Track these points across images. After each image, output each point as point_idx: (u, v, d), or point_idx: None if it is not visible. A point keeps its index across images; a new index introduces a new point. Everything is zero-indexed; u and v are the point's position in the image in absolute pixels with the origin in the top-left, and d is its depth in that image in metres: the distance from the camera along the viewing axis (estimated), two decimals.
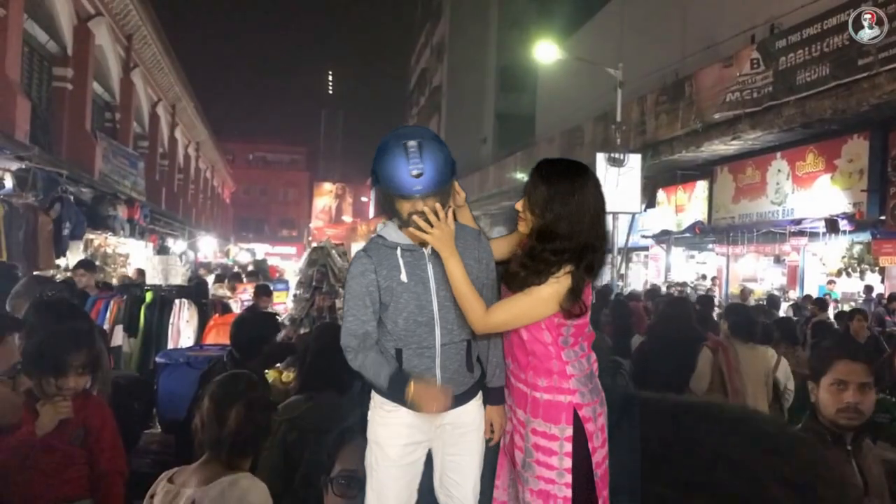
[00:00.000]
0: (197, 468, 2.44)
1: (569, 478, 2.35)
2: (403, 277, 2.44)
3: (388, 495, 2.46)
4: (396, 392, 2.37)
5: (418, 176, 2.28)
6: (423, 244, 2.46)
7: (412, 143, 2.30)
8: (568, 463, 2.36)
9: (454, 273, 2.38)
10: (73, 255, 10.80)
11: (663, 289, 14.62)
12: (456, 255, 2.39)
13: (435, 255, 2.42)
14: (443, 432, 2.54)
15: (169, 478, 2.44)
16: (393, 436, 2.46)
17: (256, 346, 4.00)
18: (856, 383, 2.55)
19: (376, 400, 2.52)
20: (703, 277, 17.03)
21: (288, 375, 4.35)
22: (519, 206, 2.48)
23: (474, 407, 2.60)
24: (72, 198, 10.86)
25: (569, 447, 2.36)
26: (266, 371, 4.30)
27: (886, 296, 11.78)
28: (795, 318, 9.47)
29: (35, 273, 8.20)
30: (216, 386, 2.58)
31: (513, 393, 2.50)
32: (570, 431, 2.37)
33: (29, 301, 4.48)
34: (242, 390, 2.55)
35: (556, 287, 2.35)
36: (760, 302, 12.25)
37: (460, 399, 2.53)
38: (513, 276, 2.42)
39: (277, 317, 4.68)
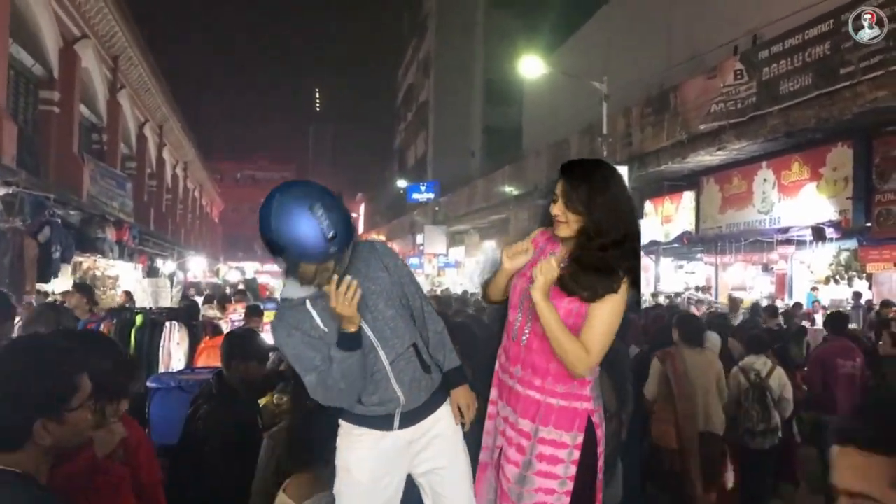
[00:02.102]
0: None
1: (570, 486, 2.36)
2: (322, 327, 2.41)
3: None
4: (352, 342, 2.34)
5: (333, 238, 2.22)
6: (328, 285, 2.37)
7: (318, 205, 2.21)
8: (573, 471, 2.36)
9: (549, 320, 2.32)
10: (62, 278, 10.75)
11: (654, 300, 14.64)
12: (543, 301, 2.32)
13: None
14: (420, 449, 2.52)
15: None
16: (361, 459, 2.46)
17: (241, 361, 3.93)
18: None
19: (344, 427, 2.53)
20: (698, 289, 17.02)
21: (280, 398, 4.34)
22: (557, 209, 2.41)
23: (445, 412, 2.59)
24: (59, 221, 10.83)
25: (577, 455, 2.37)
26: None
27: (878, 303, 11.82)
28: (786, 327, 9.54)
29: (49, 301, 8.17)
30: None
31: (520, 402, 2.44)
32: (581, 439, 2.37)
33: (43, 329, 4.46)
34: None
35: (624, 288, 2.36)
36: (745, 312, 12.22)
37: (427, 407, 2.53)
38: (582, 285, 2.35)
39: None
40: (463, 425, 2.60)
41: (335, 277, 2.32)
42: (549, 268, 2.29)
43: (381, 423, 2.49)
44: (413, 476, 2.57)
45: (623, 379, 3.60)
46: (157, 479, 2.98)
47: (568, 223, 2.39)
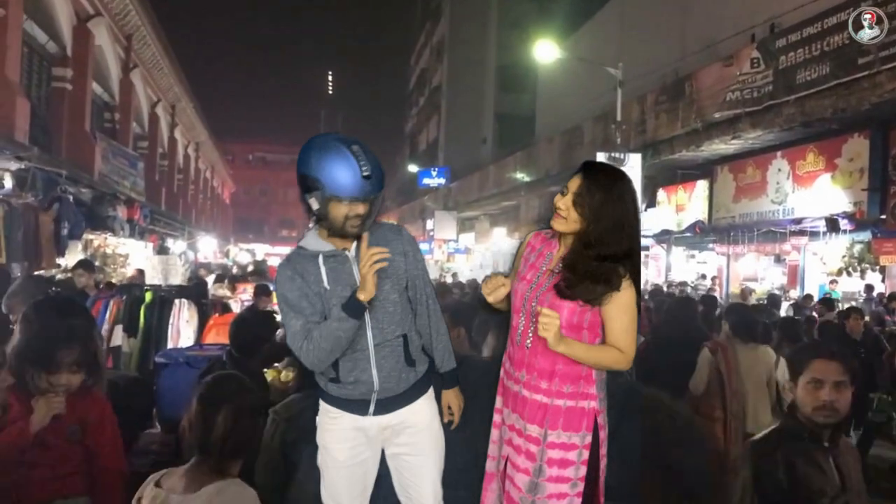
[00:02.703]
0: (185, 473, 2.33)
1: (581, 487, 2.34)
2: (325, 284, 2.44)
3: (341, 493, 2.54)
4: (358, 310, 2.35)
5: (368, 177, 2.30)
6: (346, 248, 2.46)
7: (356, 146, 2.32)
8: (583, 472, 2.35)
9: (577, 355, 2.32)
10: (72, 255, 10.80)
11: (664, 288, 14.59)
12: (563, 341, 2.29)
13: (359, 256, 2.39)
14: (392, 434, 2.56)
15: (156, 481, 2.34)
16: (339, 440, 2.52)
17: (256, 346, 4.00)
18: (831, 381, 2.58)
19: (322, 407, 2.58)
20: (703, 277, 17.02)
21: (287, 375, 4.34)
22: (562, 203, 2.37)
23: (423, 405, 2.61)
24: (71, 198, 10.86)
25: (586, 455, 2.35)
26: (265, 370, 4.29)
27: (886, 295, 11.76)
28: (797, 318, 9.45)
29: (35, 273, 8.19)
30: (205, 387, 2.42)
31: (527, 407, 2.39)
32: (589, 438, 2.36)
33: (25, 299, 4.47)
34: (232, 393, 2.39)
35: (628, 283, 2.34)
36: (761, 301, 12.22)
37: (405, 398, 2.55)
38: (578, 293, 2.32)
39: (276, 315, 4.67)
40: (450, 423, 2.67)
41: (367, 236, 2.39)
42: (550, 323, 2.23)
43: (357, 407, 2.52)
44: (385, 455, 2.63)
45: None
46: (117, 467, 2.83)
47: (567, 221, 2.36)
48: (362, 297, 2.33)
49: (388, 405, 2.53)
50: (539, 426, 2.35)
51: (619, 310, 2.33)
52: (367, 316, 2.44)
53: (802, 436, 2.59)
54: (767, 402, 5.13)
